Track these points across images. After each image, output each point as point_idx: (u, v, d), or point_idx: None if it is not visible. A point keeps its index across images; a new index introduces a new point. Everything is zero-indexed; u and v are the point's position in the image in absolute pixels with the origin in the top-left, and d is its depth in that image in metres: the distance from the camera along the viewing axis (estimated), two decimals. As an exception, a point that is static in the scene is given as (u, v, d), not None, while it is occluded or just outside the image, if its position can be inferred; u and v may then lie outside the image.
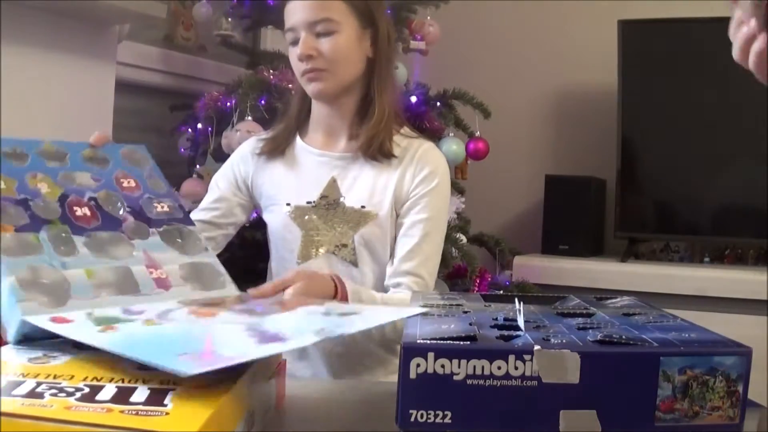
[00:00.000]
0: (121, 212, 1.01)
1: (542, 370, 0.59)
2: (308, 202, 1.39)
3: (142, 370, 0.66)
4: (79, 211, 0.97)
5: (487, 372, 0.59)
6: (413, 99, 2.08)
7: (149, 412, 0.58)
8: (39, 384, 0.63)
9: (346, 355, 1.36)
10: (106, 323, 0.78)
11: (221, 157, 1.57)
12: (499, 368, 0.59)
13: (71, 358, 0.71)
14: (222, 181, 1.46)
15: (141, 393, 0.62)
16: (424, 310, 0.79)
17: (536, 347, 0.59)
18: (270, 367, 0.79)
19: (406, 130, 1.43)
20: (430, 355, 0.59)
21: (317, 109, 1.43)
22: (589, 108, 2.88)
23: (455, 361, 0.59)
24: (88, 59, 1.91)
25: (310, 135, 1.44)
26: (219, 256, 1.12)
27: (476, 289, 2.11)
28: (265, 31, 2.60)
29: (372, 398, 0.88)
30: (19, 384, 0.62)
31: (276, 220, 1.41)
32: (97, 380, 0.64)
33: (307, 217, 1.38)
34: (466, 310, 0.77)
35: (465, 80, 2.30)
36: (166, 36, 2.45)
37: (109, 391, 0.62)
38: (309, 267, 1.34)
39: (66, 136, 1.08)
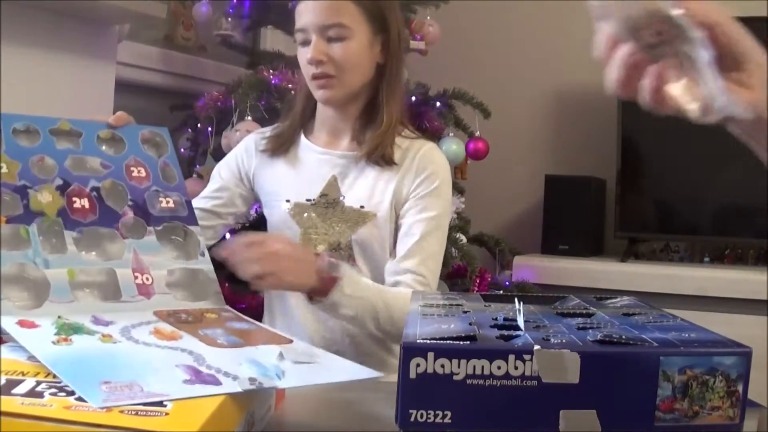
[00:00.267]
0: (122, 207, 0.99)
1: (542, 370, 0.59)
2: (308, 200, 1.39)
3: (142, 370, 0.66)
4: (77, 203, 0.96)
5: (487, 372, 0.59)
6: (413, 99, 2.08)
7: (149, 412, 0.58)
8: (39, 383, 0.63)
9: (345, 355, 1.35)
10: (66, 333, 0.77)
11: (221, 157, 1.57)
12: (499, 368, 0.59)
13: (71, 357, 0.71)
14: (225, 171, 1.46)
15: (141, 393, 0.62)
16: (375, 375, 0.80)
17: (536, 347, 0.59)
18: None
19: (406, 131, 1.43)
20: (430, 355, 0.59)
21: (322, 109, 1.43)
22: (589, 108, 2.88)
23: (455, 361, 0.59)
24: (88, 59, 1.91)
25: (315, 133, 1.45)
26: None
27: (476, 289, 2.11)
28: (265, 31, 2.60)
29: (372, 398, 0.88)
30: (18, 383, 0.62)
31: (275, 216, 1.42)
32: (97, 380, 0.64)
33: (306, 215, 1.38)
34: (466, 310, 0.77)
35: (465, 80, 2.30)
36: (166, 36, 2.45)
37: (108, 391, 0.62)
38: None
39: (66, 136, 1.07)
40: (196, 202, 1.39)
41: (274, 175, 1.43)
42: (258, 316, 1.37)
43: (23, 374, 0.65)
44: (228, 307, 1.00)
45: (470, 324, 0.68)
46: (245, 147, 1.47)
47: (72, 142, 1.01)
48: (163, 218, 1.03)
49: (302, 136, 1.44)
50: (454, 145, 2.14)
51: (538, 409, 0.59)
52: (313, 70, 1.34)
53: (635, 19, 0.59)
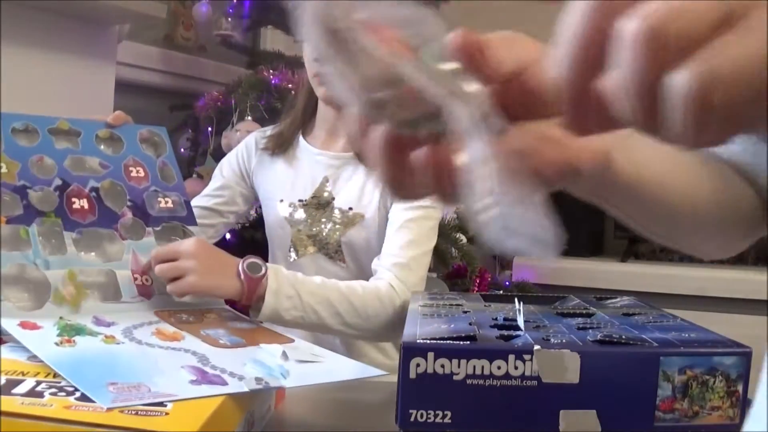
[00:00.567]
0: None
1: (542, 370, 0.59)
2: (300, 200, 1.39)
3: (142, 370, 0.66)
4: (77, 203, 0.96)
5: (486, 372, 0.59)
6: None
7: (149, 412, 0.58)
8: (39, 383, 0.63)
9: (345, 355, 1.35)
10: (69, 334, 0.77)
11: (221, 157, 1.57)
12: (498, 368, 0.59)
13: (71, 357, 0.71)
14: (227, 169, 1.47)
15: (141, 393, 0.62)
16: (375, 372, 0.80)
17: (536, 347, 0.59)
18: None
19: None
20: (430, 355, 0.59)
21: (323, 108, 1.43)
22: (589, 108, 2.88)
23: (455, 361, 0.59)
24: (88, 59, 1.91)
25: (314, 133, 1.45)
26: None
27: (476, 289, 2.11)
28: (265, 31, 2.60)
29: (372, 398, 0.88)
30: (18, 383, 0.62)
31: (271, 216, 1.42)
32: (97, 380, 0.64)
33: (297, 215, 1.38)
34: (466, 310, 0.77)
35: (465, 80, 2.30)
36: (166, 36, 2.45)
37: (108, 390, 0.62)
38: (298, 265, 1.34)
39: (66, 136, 1.07)
40: (198, 200, 1.39)
41: (271, 174, 1.43)
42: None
43: (23, 374, 0.65)
44: (227, 307, 1.00)
45: (470, 324, 0.68)
46: (246, 145, 1.48)
47: (71, 141, 1.01)
48: (162, 218, 1.03)
49: (301, 136, 1.44)
50: (454, 145, 2.13)
51: (538, 409, 0.59)
52: (318, 67, 1.34)
53: (373, 80, 0.36)
